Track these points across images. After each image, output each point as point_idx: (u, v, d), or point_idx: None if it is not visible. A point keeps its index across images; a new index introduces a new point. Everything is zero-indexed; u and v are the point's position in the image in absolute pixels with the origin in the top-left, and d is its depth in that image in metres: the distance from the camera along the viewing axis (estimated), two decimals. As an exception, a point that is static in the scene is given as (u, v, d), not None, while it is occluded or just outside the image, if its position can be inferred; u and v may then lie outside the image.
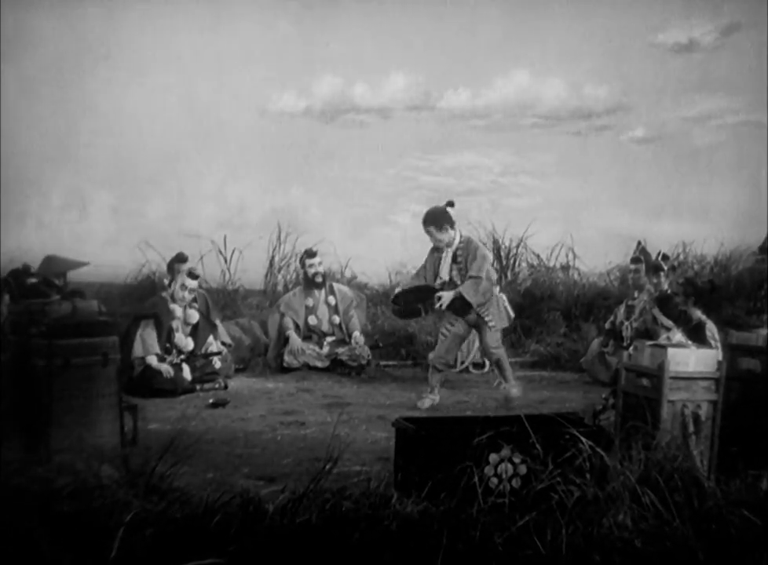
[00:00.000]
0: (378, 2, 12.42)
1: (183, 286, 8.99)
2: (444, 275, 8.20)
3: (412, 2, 12.40)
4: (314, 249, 10.23)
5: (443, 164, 13.28)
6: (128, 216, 12.47)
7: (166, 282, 9.33)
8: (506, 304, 8.36)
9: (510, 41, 12.52)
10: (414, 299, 8.21)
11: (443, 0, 12.49)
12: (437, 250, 8.31)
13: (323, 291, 10.12)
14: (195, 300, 9.21)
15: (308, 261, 10.12)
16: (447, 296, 8.07)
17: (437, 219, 8.16)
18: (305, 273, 10.18)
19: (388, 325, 10.96)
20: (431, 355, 8.37)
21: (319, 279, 10.06)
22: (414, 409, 8.01)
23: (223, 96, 12.70)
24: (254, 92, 12.80)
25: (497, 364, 8.40)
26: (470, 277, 8.08)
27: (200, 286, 9.62)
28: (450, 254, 8.21)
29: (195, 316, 9.11)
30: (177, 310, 9.00)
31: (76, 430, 5.72)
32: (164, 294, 9.08)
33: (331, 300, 10.11)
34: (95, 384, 5.87)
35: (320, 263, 10.12)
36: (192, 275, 9.11)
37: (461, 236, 8.26)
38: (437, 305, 8.09)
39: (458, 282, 8.12)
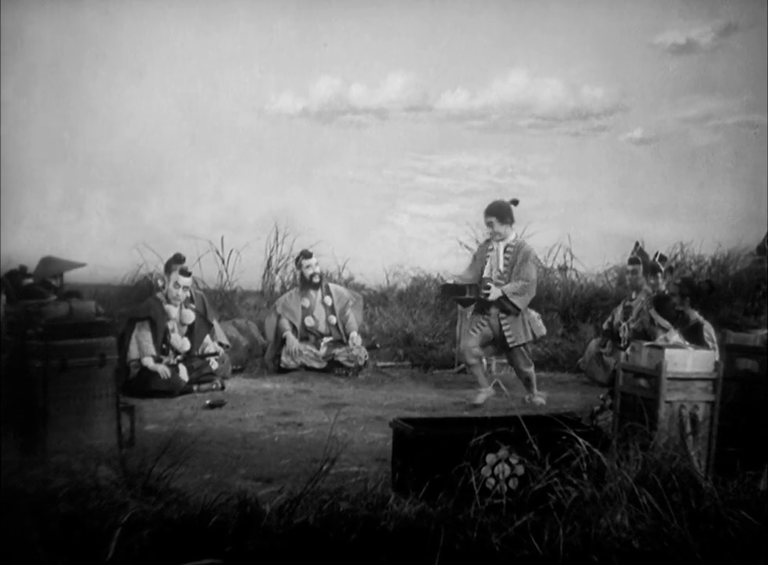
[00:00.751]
0: (376, 3, 12.41)
1: (176, 284, 8.98)
2: (501, 266, 8.34)
3: (409, 3, 12.39)
4: (310, 250, 10.23)
5: (440, 165, 13.27)
6: (125, 217, 12.45)
7: (160, 283, 9.32)
8: (533, 318, 8.44)
9: (507, 42, 12.52)
10: (459, 290, 8.40)
11: (440, 1, 12.49)
12: (486, 244, 8.53)
13: (319, 292, 10.12)
14: (191, 300, 9.21)
15: (304, 262, 10.13)
16: (495, 291, 8.22)
17: (501, 211, 8.40)
18: (302, 274, 10.19)
19: (385, 326, 10.96)
20: (461, 349, 8.47)
21: (316, 280, 10.07)
22: (411, 409, 8.01)
23: (220, 97, 12.68)
24: (252, 93, 12.78)
25: (526, 381, 8.48)
26: (520, 279, 8.26)
27: (198, 287, 9.62)
28: (502, 248, 8.36)
29: (190, 316, 9.10)
30: (173, 310, 8.99)
31: (73, 431, 5.72)
32: (158, 295, 9.07)
33: (328, 300, 10.11)
34: (92, 384, 5.87)
35: (316, 263, 10.12)
36: (184, 272, 9.09)
37: (516, 236, 8.49)
38: (484, 294, 8.21)
39: (502, 278, 8.28)
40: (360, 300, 10.43)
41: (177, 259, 9.27)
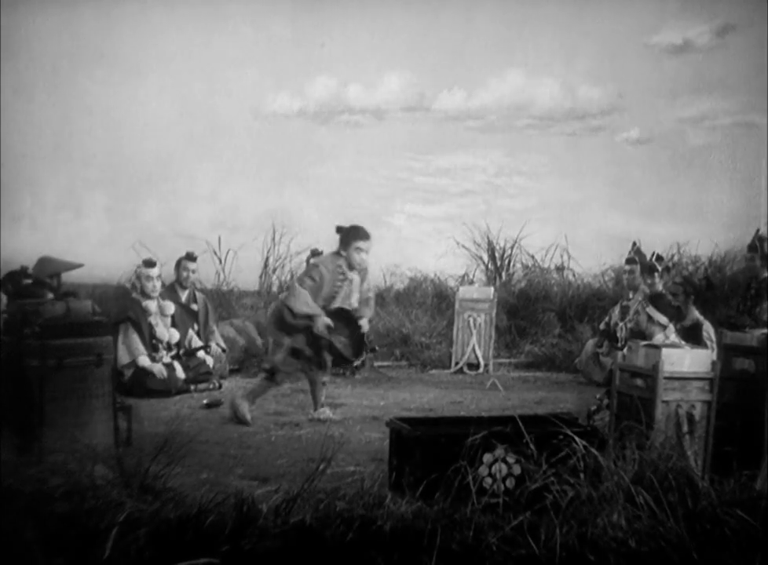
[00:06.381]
0: (373, 4, 12.42)
1: (148, 278, 8.95)
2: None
3: (406, 3, 12.40)
4: (320, 249, 10.21)
5: (437, 165, 13.27)
6: (122, 217, 12.45)
7: (128, 285, 9.37)
8: None
9: (504, 42, 12.52)
10: None
11: (437, 1, 12.49)
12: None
13: None
14: (194, 299, 9.40)
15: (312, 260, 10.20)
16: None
17: None
18: None
19: (382, 326, 10.96)
20: None
21: None
22: (408, 409, 8.00)
23: (217, 97, 12.68)
24: (249, 93, 12.78)
25: None
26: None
27: (195, 288, 9.69)
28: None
29: (170, 307, 9.09)
30: (151, 305, 8.96)
31: (69, 430, 5.71)
32: (134, 296, 9.02)
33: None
34: (88, 384, 5.86)
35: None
36: (148, 263, 9.09)
37: None
38: None
39: None
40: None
41: (189, 257, 9.41)
